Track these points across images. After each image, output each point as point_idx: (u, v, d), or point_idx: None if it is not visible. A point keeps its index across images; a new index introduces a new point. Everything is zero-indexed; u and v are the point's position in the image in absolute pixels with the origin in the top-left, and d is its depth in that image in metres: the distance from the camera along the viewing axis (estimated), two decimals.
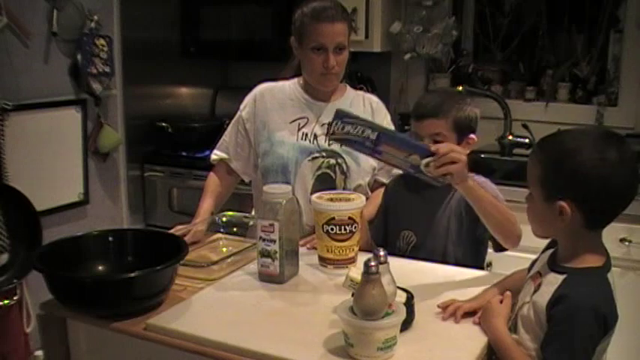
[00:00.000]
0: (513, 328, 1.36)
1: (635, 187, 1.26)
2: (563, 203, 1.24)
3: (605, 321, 1.22)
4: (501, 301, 1.40)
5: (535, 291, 1.32)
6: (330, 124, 1.57)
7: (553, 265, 1.33)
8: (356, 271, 1.43)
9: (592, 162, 1.22)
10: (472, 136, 1.77)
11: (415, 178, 1.73)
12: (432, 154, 1.49)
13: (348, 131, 1.53)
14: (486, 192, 1.57)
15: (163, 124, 3.36)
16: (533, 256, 1.47)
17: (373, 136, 1.52)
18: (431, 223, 1.80)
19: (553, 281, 1.28)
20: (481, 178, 1.76)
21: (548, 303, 1.25)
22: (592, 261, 1.29)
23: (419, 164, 1.51)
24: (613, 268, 1.32)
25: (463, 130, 1.75)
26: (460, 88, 3.13)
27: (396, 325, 1.24)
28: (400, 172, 1.77)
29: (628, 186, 1.25)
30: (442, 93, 1.92)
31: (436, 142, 1.68)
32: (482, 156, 3.06)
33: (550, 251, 1.39)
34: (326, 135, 1.88)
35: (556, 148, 1.28)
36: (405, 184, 1.88)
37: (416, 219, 1.83)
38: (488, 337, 1.34)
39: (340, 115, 1.54)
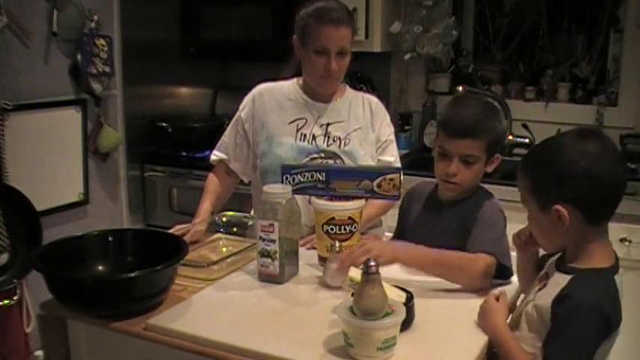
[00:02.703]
0: (516, 326, 1.37)
1: (623, 174, 1.27)
2: (557, 207, 1.24)
3: (608, 322, 1.23)
4: (497, 299, 1.42)
5: (540, 289, 1.33)
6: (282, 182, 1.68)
7: (560, 265, 1.34)
8: (356, 271, 1.43)
9: (573, 159, 1.23)
10: (498, 155, 1.69)
11: (426, 197, 1.78)
12: (381, 174, 1.58)
13: (300, 181, 1.66)
14: (421, 254, 1.54)
15: (163, 124, 3.36)
16: None
17: (323, 177, 1.65)
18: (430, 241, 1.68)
19: (559, 281, 1.28)
20: (489, 201, 1.68)
21: (553, 301, 1.25)
22: (599, 261, 1.29)
23: (372, 187, 1.62)
24: None
25: (494, 150, 1.67)
26: (460, 88, 3.13)
27: (396, 325, 1.24)
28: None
29: (614, 174, 1.25)
30: (478, 107, 1.68)
31: (466, 162, 1.63)
32: None
33: (559, 254, 1.39)
34: None
35: (537, 158, 1.31)
36: (410, 200, 1.86)
37: (413, 234, 1.79)
38: (487, 333, 1.35)
39: (286, 170, 1.68)
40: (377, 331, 1.21)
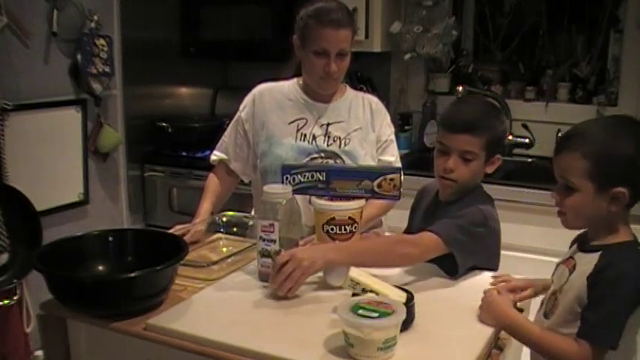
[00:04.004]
0: (550, 312, 1.38)
1: None
2: (621, 189, 1.28)
3: None
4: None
5: (571, 272, 1.36)
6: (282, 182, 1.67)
7: (583, 246, 1.38)
8: (356, 271, 1.44)
9: (637, 148, 1.28)
10: (498, 156, 1.69)
11: (431, 197, 1.76)
12: (382, 174, 1.57)
13: (300, 181, 1.66)
14: (355, 247, 1.56)
15: (163, 124, 3.36)
16: (541, 258, 1.47)
17: (323, 177, 1.64)
18: None
19: (589, 259, 1.32)
20: (482, 205, 1.67)
21: (590, 274, 1.29)
22: (623, 236, 1.34)
23: (372, 187, 1.61)
24: None
25: (494, 150, 1.67)
26: (460, 88, 3.13)
27: (396, 326, 1.24)
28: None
29: None
30: (478, 105, 1.71)
31: (464, 159, 1.63)
32: None
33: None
34: None
35: (598, 141, 1.30)
36: (419, 198, 1.87)
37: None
38: (500, 325, 1.36)
39: (287, 170, 1.67)
40: (377, 331, 1.21)
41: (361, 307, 1.25)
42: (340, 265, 1.47)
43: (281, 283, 1.46)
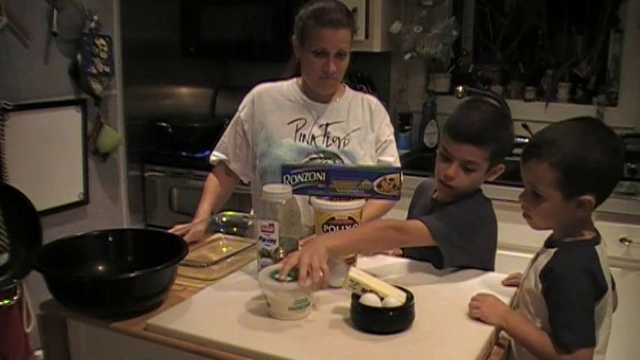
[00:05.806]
0: (516, 307, 1.45)
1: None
2: (588, 197, 1.32)
3: (594, 278, 1.29)
4: None
5: (531, 266, 1.42)
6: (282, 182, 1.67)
7: (548, 243, 1.42)
8: (356, 271, 1.44)
9: (606, 156, 1.31)
10: (501, 165, 1.66)
11: (429, 194, 1.76)
12: (381, 174, 1.59)
13: (300, 181, 1.65)
14: (348, 235, 1.57)
15: (163, 124, 3.36)
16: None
17: (323, 177, 1.64)
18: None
19: (547, 255, 1.37)
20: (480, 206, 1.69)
21: (540, 272, 1.33)
22: (584, 234, 1.38)
23: (372, 187, 1.62)
24: (613, 268, 1.39)
25: (498, 160, 1.64)
26: (460, 88, 3.13)
27: (306, 290, 1.36)
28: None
29: (621, 165, 1.44)
30: (487, 113, 1.64)
31: (466, 168, 1.61)
32: None
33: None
34: None
35: (567, 151, 1.31)
36: (418, 194, 1.87)
37: None
38: (499, 325, 1.37)
39: (287, 170, 1.67)
40: (288, 292, 1.35)
41: (278, 272, 1.39)
42: (339, 249, 1.51)
43: (307, 276, 1.37)
